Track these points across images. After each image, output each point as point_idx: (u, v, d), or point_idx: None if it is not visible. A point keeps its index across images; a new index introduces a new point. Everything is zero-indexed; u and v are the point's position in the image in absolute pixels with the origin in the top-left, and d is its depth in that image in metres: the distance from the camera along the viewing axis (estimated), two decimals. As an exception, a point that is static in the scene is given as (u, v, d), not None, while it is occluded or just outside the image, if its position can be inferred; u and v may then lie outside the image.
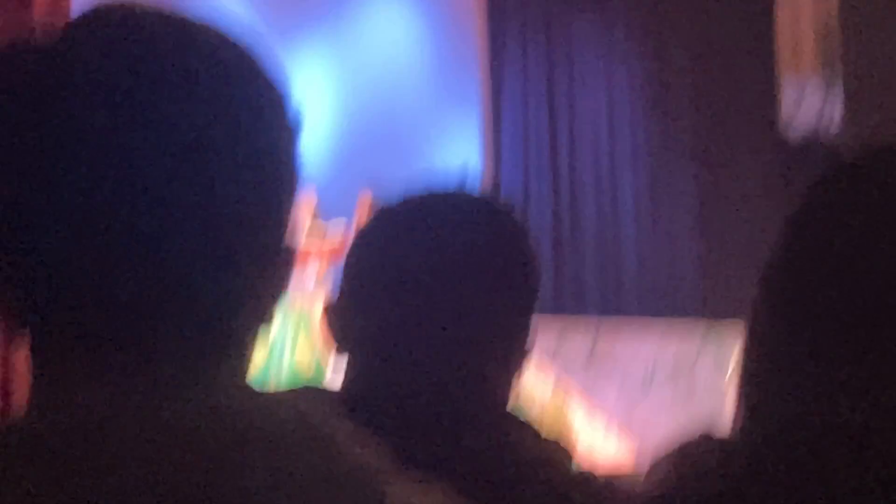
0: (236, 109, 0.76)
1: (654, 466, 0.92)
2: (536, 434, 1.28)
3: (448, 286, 1.24)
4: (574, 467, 1.27)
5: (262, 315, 0.80)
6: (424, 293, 1.24)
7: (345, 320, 1.30)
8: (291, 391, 1.20)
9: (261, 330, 0.80)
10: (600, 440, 7.64)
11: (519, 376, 1.32)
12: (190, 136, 0.73)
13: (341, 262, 1.36)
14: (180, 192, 0.73)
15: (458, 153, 9.55)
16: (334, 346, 1.30)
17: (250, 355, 0.79)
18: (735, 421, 0.90)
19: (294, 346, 7.96)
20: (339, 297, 1.33)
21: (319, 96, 9.57)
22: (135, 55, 0.74)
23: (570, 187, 9.90)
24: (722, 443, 0.88)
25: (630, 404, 7.81)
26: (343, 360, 1.29)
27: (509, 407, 1.31)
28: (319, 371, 7.20)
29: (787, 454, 0.81)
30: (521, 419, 1.30)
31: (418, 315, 1.24)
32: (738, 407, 0.90)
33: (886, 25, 8.53)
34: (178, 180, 0.73)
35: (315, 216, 8.33)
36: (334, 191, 8.32)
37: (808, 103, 9.61)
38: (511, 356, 1.31)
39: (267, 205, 0.78)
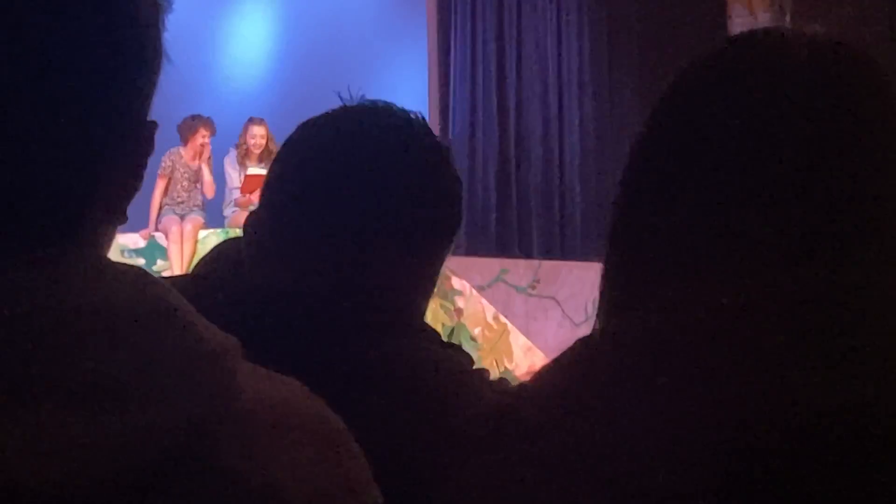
0: None
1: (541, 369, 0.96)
2: (437, 338, 1.29)
3: (353, 194, 1.26)
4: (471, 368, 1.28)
5: (122, 190, 0.77)
6: (329, 198, 1.26)
7: (259, 225, 1.31)
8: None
9: (122, 205, 0.77)
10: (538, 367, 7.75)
11: (427, 288, 1.33)
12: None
13: None
14: (24, 57, 0.69)
15: (407, 91, 9.47)
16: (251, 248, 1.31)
17: (110, 231, 0.77)
18: (599, 322, 0.98)
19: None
20: (259, 205, 1.34)
21: (266, 28, 9.44)
22: None
23: (517, 128, 9.85)
24: (588, 340, 0.93)
25: (567, 340, 7.81)
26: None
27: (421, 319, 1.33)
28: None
29: (643, 349, 0.87)
30: (424, 326, 1.31)
31: (322, 218, 1.26)
32: (601, 311, 0.99)
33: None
34: (22, 41, 0.69)
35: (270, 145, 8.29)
36: (281, 123, 8.22)
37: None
38: (415, 267, 1.30)
39: (124, 76, 0.74)
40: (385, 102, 1.32)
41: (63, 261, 0.70)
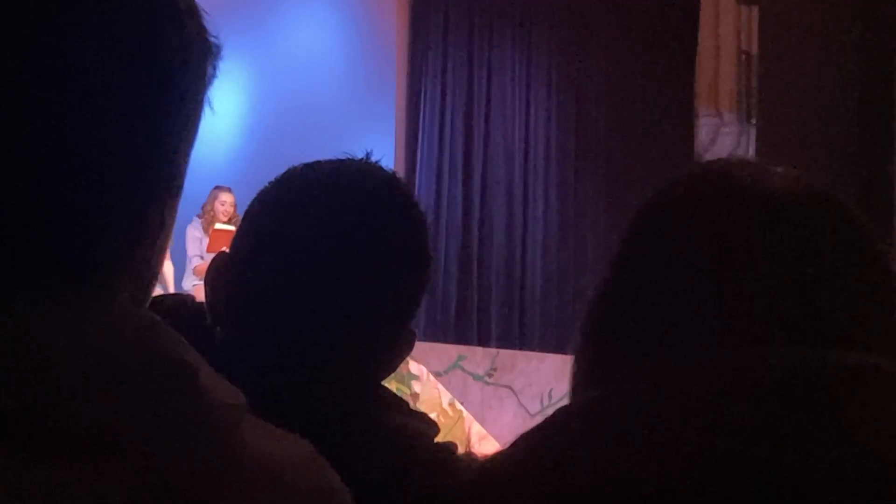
0: (134, 43, 0.72)
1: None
2: (403, 406, 1.28)
3: (327, 257, 1.23)
4: (436, 437, 1.26)
5: (138, 246, 0.76)
6: (304, 260, 1.23)
7: (227, 282, 1.28)
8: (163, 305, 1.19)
9: (138, 257, 0.76)
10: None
11: (396, 356, 1.31)
12: (76, 60, 0.69)
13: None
14: (59, 114, 0.69)
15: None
16: (210, 306, 1.28)
17: (134, 280, 0.77)
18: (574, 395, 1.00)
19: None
20: (228, 259, 1.29)
21: (235, 100, 9.47)
22: None
23: (481, 217, 9.89)
24: (569, 408, 0.94)
25: (522, 430, 7.78)
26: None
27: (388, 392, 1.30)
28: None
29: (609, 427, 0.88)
30: (390, 393, 1.29)
31: (295, 281, 1.23)
32: (576, 385, 1.01)
33: (803, 63, 8.65)
34: (57, 103, 0.69)
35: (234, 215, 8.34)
36: (248, 194, 8.20)
37: (724, 137, 9.71)
38: (386, 333, 1.29)
39: (156, 137, 0.75)
40: (368, 162, 1.31)
41: (72, 307, 0.69)
